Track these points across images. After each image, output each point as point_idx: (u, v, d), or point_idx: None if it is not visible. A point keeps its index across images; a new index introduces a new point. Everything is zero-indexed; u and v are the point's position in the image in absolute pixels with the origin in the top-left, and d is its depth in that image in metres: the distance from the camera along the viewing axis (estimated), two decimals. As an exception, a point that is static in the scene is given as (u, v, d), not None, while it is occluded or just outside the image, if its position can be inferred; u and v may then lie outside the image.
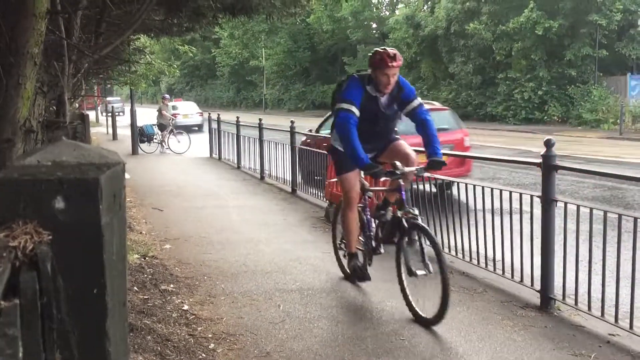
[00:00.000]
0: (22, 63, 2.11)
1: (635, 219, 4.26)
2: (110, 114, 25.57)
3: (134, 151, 18.54)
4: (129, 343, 0.83)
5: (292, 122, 11.31)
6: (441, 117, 9.74)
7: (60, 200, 0.70)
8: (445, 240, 6.31)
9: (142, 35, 10.12)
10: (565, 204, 4.88)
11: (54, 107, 3.64)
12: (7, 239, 0.66)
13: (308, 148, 10.59)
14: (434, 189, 6.39)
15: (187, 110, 29.26)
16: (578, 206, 4.76)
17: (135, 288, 5.15)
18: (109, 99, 42.70)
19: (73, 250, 0.71)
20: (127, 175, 9.05)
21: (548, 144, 4.82)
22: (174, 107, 27.34)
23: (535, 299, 4.96)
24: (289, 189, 10.98)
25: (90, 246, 0.71)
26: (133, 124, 18.87)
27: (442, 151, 4.93)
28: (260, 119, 13.52)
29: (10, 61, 2.11)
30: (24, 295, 0.63)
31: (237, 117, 15.85)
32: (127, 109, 25.38)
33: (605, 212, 4.53)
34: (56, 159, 0.78)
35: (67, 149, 0.81)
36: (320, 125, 11.45)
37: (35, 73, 2.24)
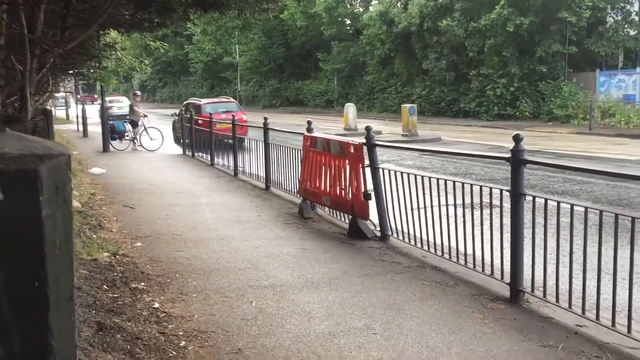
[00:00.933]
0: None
1: (601, 211, 4.35)
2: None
3: (105, 148, 18.25)
4: (76, 338, 0.81)
5: (265, 118, 11.27)
6: (230, 105, 20.40)
7: (-2, 191, 0.68)
8: (418, 235, 6.36)
9: (112, 30, 9.96)
10: (534, 197, 4.95)
11: (17, 103, 3.56)
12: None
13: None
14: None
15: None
16: (546, 200, 4.83)
17: (105, 286, 5.08)
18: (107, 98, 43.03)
19: (12, 243, 0.69)
20: (102, 170, 8.96)
21: (517, 139, 4.89)
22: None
23: (505, 291, 5.03)
24: (263, 186, 10.95)
25: (30, 239, 0.69)
26: (104, 121, 18.57)
27: None
28: (233, 116, 13.45)
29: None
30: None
31: (210, 114, 15.74)
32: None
33: (572, 206, 4.61)
34: (-1, 150, 0.76)
35: (11, 140, 0.78)
36: None
37: (-10, 66, 2.18)
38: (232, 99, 23.61)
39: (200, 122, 16.28)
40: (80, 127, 24.75)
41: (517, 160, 4.88)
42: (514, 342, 4.10)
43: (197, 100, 21.49)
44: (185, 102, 21.89)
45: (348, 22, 47.32)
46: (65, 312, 0.75)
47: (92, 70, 14.22)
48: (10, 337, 0.67)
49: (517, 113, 29.25)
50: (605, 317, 4.24)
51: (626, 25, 27.90)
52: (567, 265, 4.50)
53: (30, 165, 0.68)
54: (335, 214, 8.12)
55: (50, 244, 0.70)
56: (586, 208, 4.47)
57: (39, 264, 0.69)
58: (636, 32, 27.58)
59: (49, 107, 12.89)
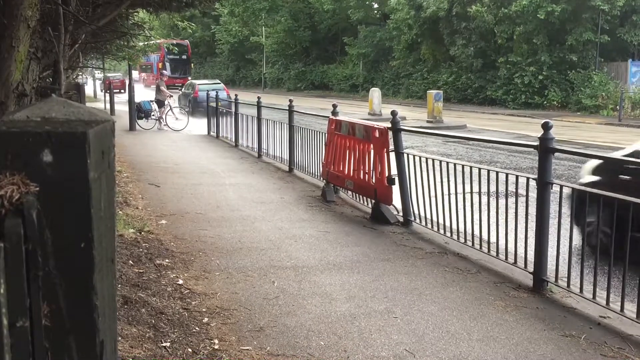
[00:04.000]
0: (15, 25, 2.09)
1: (633, 203, 4.28)
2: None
3: (132, 127, 18.46)
4: (117, 301, 0.84)
5: (290, 100, 11.27)
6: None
7: (47, 153, 0.70)
8: (441, 221, 6.34)
9: (140, 9, 10.02)
10: (561, 187, 4.89)
11: (50, 78, 3.61)
12: (-6, 190, 0.66)
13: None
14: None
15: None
16: (573, 189, 4.77)
17: (131, 262, 5.17)
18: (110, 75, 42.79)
19: (60, 203, 0.71)
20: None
21: (546, 127, 4.82)
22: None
23: (528, 280, 5.00)
24: (286, 168, 10.98)
25: (78, 200, 0.71)
26: (130, 100, 18.75)
27: None
28: (258, 97, 13.47)
29: (4, 23, 2.08)
30: (8, 240, 0.63)
31: (236, 95, 15.79)
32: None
33: (600, 197, 4.54)
34: (45, 115, 0.78)
35: (57, 106, 0.80)
36: None
37: (29, 37, 2.22)
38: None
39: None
40: (108, 106, 25.02)
41: (545, 149, 4.81)
42: (535, 331, 4.08)
43: (195, 81, 28.98)
44: (187, 83, 29.61)
45: (375, 6, 46.88)
46: (108, 274, 0.77)
47: (120, 50, 14.33)
48: (57, 295, 0.69)
49: (545, 102, 28.81)
50: (629, 310, 4.20)
51: (661, 15, 27.19)
52: (592, 256, 4.45)
53: (79, 129, 0.70)
54: (358, 198, 8.12)
55: (96, 206, 0.72)
56: (615, 199, 4.41)
57: (85, 225, 0.71)
58: (672, 22, 26.86)
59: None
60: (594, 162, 6.31)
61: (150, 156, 12.93)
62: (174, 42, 50.44)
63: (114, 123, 0.83)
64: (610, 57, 28.64)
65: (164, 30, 51.05)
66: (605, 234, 4.97)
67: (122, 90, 39.36)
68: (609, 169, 6.03)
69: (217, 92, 17.94)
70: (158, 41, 48.19)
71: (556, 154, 4.93)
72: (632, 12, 27.69)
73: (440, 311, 4.41)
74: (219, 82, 29.81)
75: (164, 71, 22.70)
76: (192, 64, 55.36)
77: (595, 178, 6.11)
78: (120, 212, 7.04)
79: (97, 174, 0.72)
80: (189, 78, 49.70)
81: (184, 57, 51.58)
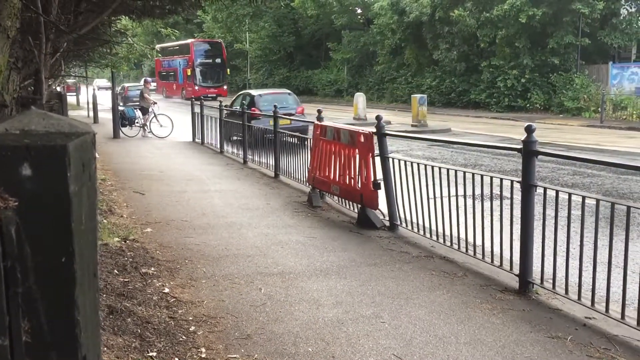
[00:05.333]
0: (-6, 36, 2.07)
1: (613, 204, 4.33)
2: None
3: (115, 135, 18.32)
4: (100, 315, 0.82)
5: (275, 106, 11.27)
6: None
7: (27, 167, 0.69)
8: (427, 225, 6.36)
9: (123, 16, 9.97)
10: (545, 189, 4.92)
11: (31, 87, 3.58)
12: (-28, 206, 0.65)
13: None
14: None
15: None
16: (557, 192, 4.82)
17: (116, 271, 5.12)
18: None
19: (40, 218, 0.70)
20: (96, 155, 8.96)
21: (529, 130, 4.86)
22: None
23: (514, 282, 5.03)
24: (272, 174, 10.96)
25: (58, 214, 0.70)
26: (114, 107, 18.62)
27: None
28: (243, 103, 13.45)
29: (-18, 33, 2.06)
30: (-15, 257, 0.62)
31: (220, 102, 15.75)
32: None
33: (583, 198, 4.59)
34: (25, 127, 0.77)
35: (37, 118, 0.79)
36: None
37: (9, 47, 2.20)
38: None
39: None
40: (91, 114, 24.84)
41: (528, 152, 4.85)
42: (522, 333, 4.11)
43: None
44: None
45: (359, 11, 47.03)
46: (90, 288, 0.76)
47: (102, 57, 14.25)
48: (37, 312, 0.68)
49: (528, 105, 29.05)
50: (614, 310, 4.24)
51: (640, 18, 27.58)
52: (577, 258, 4.49)
53: (58, 141, 0.69)
54: (344, 203, 8.13)
55: (77, 220, 0.71)
56: (597, 200, 4.45)
57: (66, 239, 0.70)
58: (650, 24, 27.25)
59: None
60: None
61: (134, 164, 12.84)
62: (206, 41, 42.33)
63: (95, 135, 0.82)
64: (591, 59, 28.97)
65: (147, 37, 50.54)
66: None
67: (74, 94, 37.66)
68: None
69: (201, 99, 17.81)
70: (187, 41, 43.85)
71: (540, 156, 4.98)
72: (611, 16, 28.06)
73: (427, 315, 4.41)
74: (288, 91, 19.39)
75: (148, 78, 20.40)
76: (228, 70, 45.98)
77: None
78: (104, 220, 6.98)
79: (78, 187, 0.72)
80: (225, 87, 41.77)
81: (218, 60, 42.46)
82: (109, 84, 45.80)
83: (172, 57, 46.87)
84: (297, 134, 10.72)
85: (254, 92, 18.01)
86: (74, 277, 0.70)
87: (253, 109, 15.38)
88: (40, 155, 0.68)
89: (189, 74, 42.11)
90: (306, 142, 9.42)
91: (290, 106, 16.45)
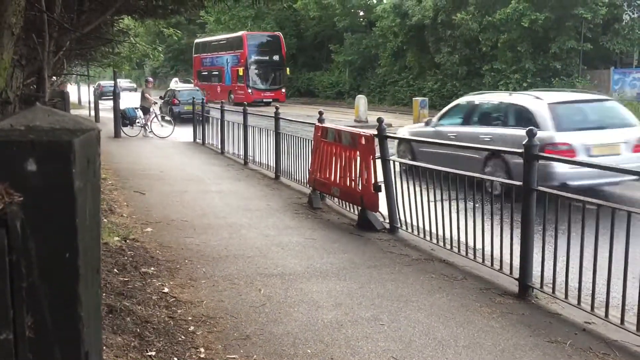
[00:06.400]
0: (-1, 33, 2.07)
1: (613, 209, 4.32)
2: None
3: (117, 134, 18.32)
4: (101, 310, 0.83)
5: (276, 107, 11.27)
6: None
7: (32, 162, 0.69)
8: (427, 228, 6.36)
9: (126, 16, 9.97)
10: (546, 193, 4.92)
11: (34, 85, 3.58)
12: (-23, 201, 0.65)
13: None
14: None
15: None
16: (558, 196, 4.82)
17: (116, 270, 5.12)
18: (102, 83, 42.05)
19: (45, 213, 0.70)
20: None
21: (530, 134, 4.87)
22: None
23: (514, 286, 5.03)
24: (273, 175, 10.96)
25: (63, 210, 0.70)
26: (115, 107, 18.63)
27: None
28: (244, 104, 13.45)
29: (-13, 30, 2.06)
30: (-10, 251, 0.62)
31: (222, 102, 15.75)
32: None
33: (584, 203, 4.58)
34: (30, 123, 0.77)
35: (42, 114, 0.80)
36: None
37: (13, 44, 2.20)
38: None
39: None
40: (92, 113, 24.85)
41: (530, 155, 4.85)
42: (521, 337, 4.10)
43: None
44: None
45: (361, 13, 47.07)
46: (93, 284, 0.76)
47: (105, 56, 14.26)
48: (41, 307, 0.69)
49: (529, 109, 29.04)
50: (614, 315, 4.23)
51: (642, 23, 27.59)
52: (577, 262, 4.49)
53: (63, 137, 0.70)
54: (344, 205, 8.12)
55: (81, 215, 0.71)
56: (599, 205, 4.45)
57: (70, 235, 0.70)
58: (652, 30, 27.26)
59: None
60: None
61: (135, 163, 12.84)
62: (262, 33, 34.38)
63: (100, 131, 0.82)
64: (593, 65, 28.98)
65: (149, 37, 50.45)
66: None
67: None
68: None
69: (202, 100, 17.73)
70: (238, 34, 35.65)
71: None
72: (614, 21, 28.07)
73: (426, 318, 4.41)
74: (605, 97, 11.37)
75: (149, 78, 18.97)
76: (288, 70, 38.04)
77: None
78: (105, 219, 6.98)
79: (83, 183, 0.72)
80: (283, 91, 34.77)
81: (276, 57, 35.40)
82: (132, 85, 45.16)
83: (217, 53, 39.21)
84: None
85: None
86: (78, 273, 0.70)
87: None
88: (45, 151, 0.68)
89: (240, 73, 34.94)
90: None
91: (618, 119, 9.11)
